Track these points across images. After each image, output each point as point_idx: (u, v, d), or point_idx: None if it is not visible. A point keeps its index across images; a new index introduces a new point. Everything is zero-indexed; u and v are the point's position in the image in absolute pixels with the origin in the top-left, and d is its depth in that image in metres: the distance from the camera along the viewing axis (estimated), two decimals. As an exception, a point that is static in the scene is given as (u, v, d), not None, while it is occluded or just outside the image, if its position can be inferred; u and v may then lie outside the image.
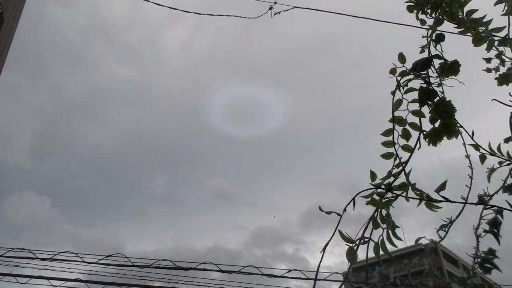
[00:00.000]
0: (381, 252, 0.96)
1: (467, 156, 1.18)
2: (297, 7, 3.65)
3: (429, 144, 1.05)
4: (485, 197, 1.06)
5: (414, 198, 1.01)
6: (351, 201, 1.00)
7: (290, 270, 4.07)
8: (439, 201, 1.00)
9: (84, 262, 3.90)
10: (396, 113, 1.11)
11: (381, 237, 0.97)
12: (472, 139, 1.12)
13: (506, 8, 1.18)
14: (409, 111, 1.10)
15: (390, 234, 0.97)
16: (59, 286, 3.68)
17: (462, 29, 1.11)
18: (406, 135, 1.10)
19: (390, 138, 1.11)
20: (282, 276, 4.06)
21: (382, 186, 1.03)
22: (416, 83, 1.09)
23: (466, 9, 1.10)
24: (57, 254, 3.94)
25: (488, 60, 1.32)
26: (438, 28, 1.12)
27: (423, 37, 1.15)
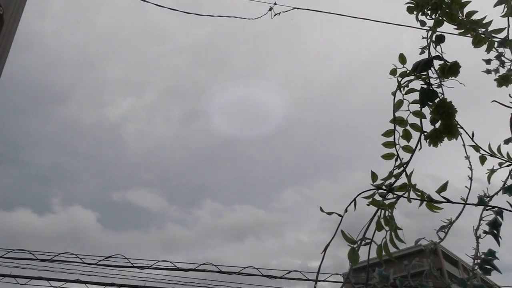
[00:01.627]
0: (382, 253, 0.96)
1: (467, 157, 1.18)
2: (297, 8, 3.65)
3: (430, 145, 1.05)
4: (485, 198, 1.06)
5: (415, 199, 1.01)
6: (352, 201, 1.00)
7: (290, 271, 4.07)
8: (440, 202, 1.00)
9: (84, 263, 3.90)
10: (397, 114, 1.11)
11: (384, 239, 0.97)
12: (472, 140, 1.13)
13: (505, 9, 1.18)
14: (410, 112, 1.11)
15: (393, 236, 0.97)
16: (59, 287, 3.68)
17: (462, 30, 1.11)
18: (407, 136, 1.10)
19: (391, 139, 1.11)
20: (282, 277, 4.06)
21: (383, 187, 1.03)
22: (417, 84, 1.09)
23: (466, 10, 1.10)
24: (57, 255, 3.93)
25: (488, 62, 1.32)
26: (438, 29, 1.12)
27: (423, 38, 1.15)
